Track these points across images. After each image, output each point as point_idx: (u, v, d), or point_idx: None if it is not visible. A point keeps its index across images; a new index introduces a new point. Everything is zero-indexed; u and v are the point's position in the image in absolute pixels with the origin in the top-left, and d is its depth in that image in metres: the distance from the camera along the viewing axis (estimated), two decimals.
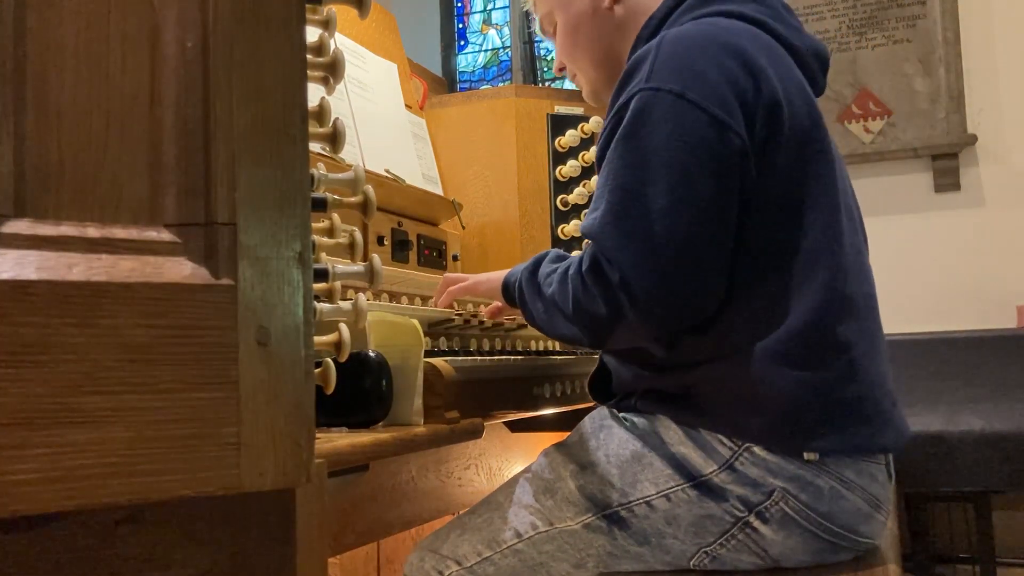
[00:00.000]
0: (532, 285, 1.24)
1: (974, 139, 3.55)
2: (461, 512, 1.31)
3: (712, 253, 1.07)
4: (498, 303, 1.41)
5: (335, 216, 0.86)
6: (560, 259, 1.24)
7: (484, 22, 5.08)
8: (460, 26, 5.11)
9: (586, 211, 2.09)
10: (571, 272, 1.14)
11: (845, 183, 1.22)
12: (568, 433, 1.46)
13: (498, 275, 1.37)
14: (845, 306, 1.13)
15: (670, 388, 1.17)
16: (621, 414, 1.23)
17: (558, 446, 1.26)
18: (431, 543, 1.27)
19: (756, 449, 1.10)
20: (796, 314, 1.10)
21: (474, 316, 1.41)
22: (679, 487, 1.13)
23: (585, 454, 1.21)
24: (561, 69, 1.45)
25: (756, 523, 1.10)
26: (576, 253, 2.06)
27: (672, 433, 1.15)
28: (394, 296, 1.58)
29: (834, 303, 1.11)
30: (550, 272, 1.21)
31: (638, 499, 1.14)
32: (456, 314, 1.39)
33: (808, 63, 1.24)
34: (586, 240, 2.06)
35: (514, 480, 1.28)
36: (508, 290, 1.32)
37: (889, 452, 1.17)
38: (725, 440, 1.12)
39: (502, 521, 1.23)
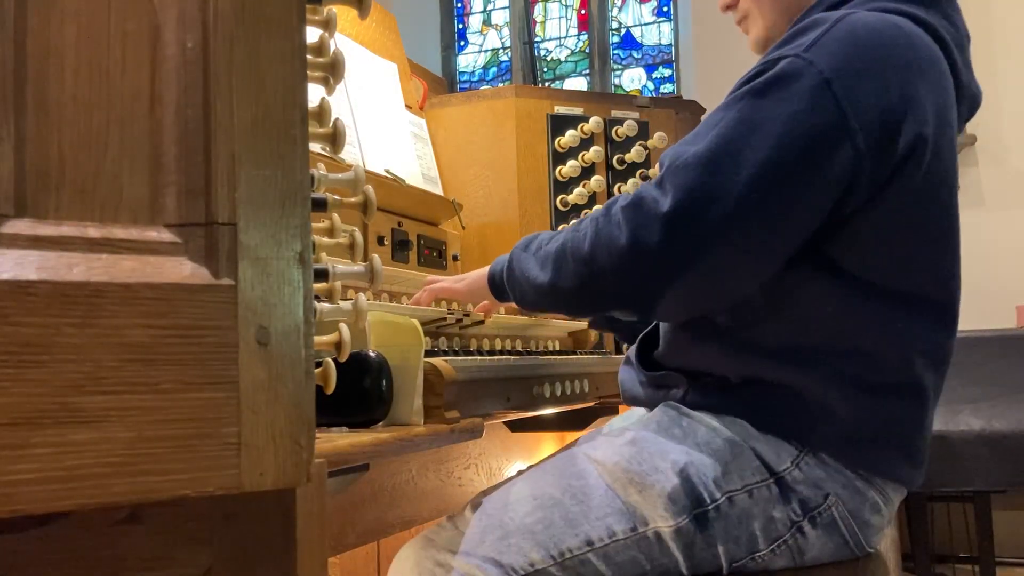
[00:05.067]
0: (524, 256, 1.19)
1: (973, 140, 3.55)
2: (485, 507, 1.15)
3: (762, 243, 1.03)
4: (485, 302, 1.39)
5: (335, 216, 0.86)
6: (557, 232, 1.20)
7: (484, 22, 5.08)
8: (460, 26, 5.11)
9: (586, 211, 2.10)
10: (592, 216, 1.10)
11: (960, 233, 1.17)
12: (573, 432, 1.45)
13: (480, 272, 1.34)
14: (935, 357, 1.13)
15: (732, 374, 1.12)
16: (685, 407, 1.16)
17: (642, 434, 1.14)
18: (450, 543, 1.12)
19: (821, 453, 1.10)
20: (883, 346, 1.09)
21: (466, 315, 1.41)
22: (763, 482, 1.09)
23: (676, 444, 1.11)
24: (729, 7, 1.30)
25: (807, 527, 1.09)
26: None
27: (744, 429, 1.11)
28: (394, 296, 1.58)
29: (926, 352, 1.12)
30: (552, 236, 1.17)
31: (728, 492, 1.08)
32: (448, 312, 1.39)
33: (962, 105, 1.18)
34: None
35: (565, 470, 1.14)
36: (494, 279, 1.27)
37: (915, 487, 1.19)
38: (793, 441, 1.10)
39: (565, 523, 1.07)
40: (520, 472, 1.37)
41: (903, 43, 1.07)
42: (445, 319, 1.36)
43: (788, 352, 1.09)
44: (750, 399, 1.11)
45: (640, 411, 1.28)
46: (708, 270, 1.03)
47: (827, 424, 1.08)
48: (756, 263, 1.05)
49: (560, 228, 2.09)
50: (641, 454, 1.11)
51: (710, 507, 1.08)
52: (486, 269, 1.31)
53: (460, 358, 1.14)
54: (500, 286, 1.26)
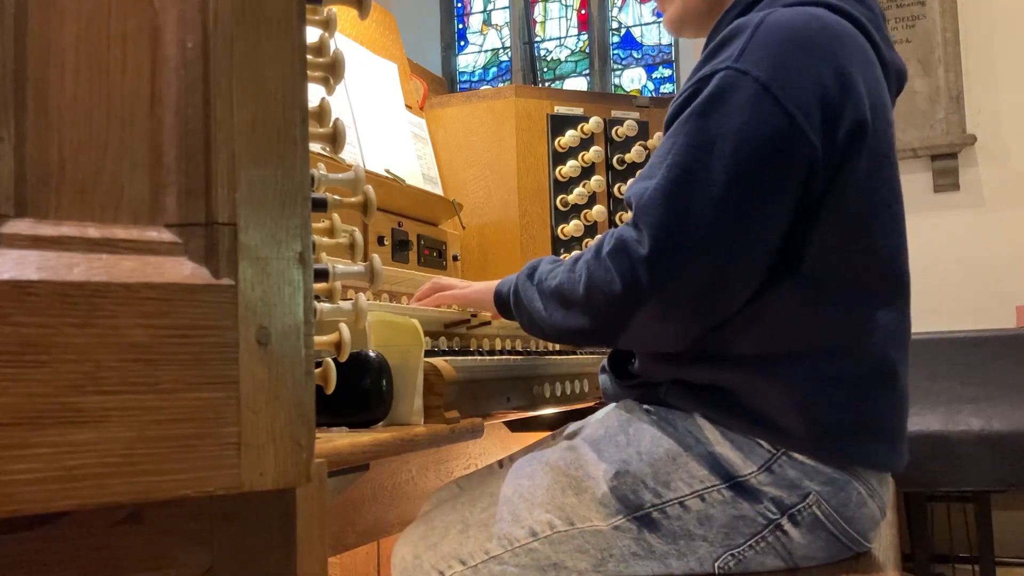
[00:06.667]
0: (528, 286, 1.22)
1: (973, 139, 3.55)
2: (457, 501, 1.24)
3: (746, 256, 1.05)
4: (487, 313, 1.41)
5: (335, 216, 0.86)
6: (557, 262, 1.22)
7: (484, 22, 5.08)
8: (460, 26, 5.11)
9: (586, 211, 2.10)
10: (585, 258, 1.12)
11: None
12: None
13: (488, 285, 1.35)
14: (900, 335, 1.14)
15: (701, 380, 1.13)
16: (645, 406, 1.19)
17: (585, 440, 1.19)
18: (426, 537, 1.20)
19: (795, 454, 1.10)
20: (857, 338, 1.11)
21: (473, 316, 1.41)
22: (714, 487, 1.10)
23: (616, 451, 1.15)
24: None
25: (787, 526, 1.10)
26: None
27: (707, 432, 1.12)
28: (394, 296, 1.58)
29: (893, 333, 1.13)
30: (551, 269, 1.19)
31: (672, 499, 1.11)
32: (471, 315, 1.39)
33: (890, 81, 1.20)
34: (587, 240, 2.07)
35: (520, 471, 1.21)
36: (500, 298, 1.30)
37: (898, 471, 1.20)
38: (764, 443, 1.10)
39: (513, 518, 1.16)
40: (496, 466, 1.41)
41: (825, 33, 1.09)
42: (457, 322, 1.37)
43: (762, 356, 1.10)
44: (722, 402, 1.12)
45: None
46: (699, 297, 1.05)
47: (804, 424, 1.09)
48: (741, 277, 1.06)
49: (560, 227, 2.09)
50: (578, 460, 1.17)
51: (652, 509, 1.11)
52: (492, 287, 1.33)
53: (460, 358, 1.14)
54: (507, 310, 1.29)
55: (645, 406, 1.19)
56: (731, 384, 1.11)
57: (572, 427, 1.45)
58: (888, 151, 1.14)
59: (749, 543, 1.10)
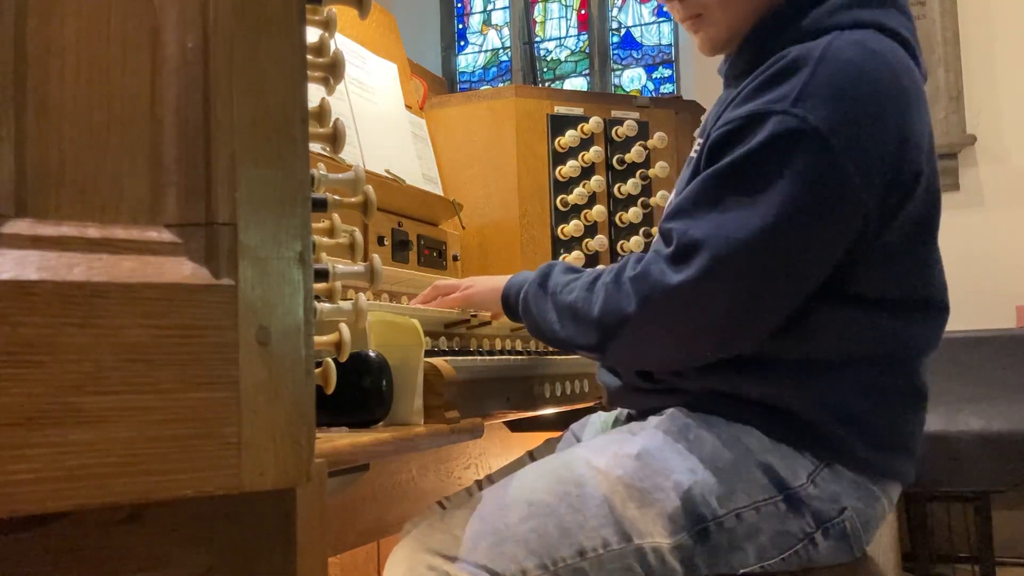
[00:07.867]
0: (541, 295, 1.20)
1: (973, 139, 3.55)
2: (483, 509, 1.12)
3: (775, 303, 1.05)
4: (486, 313, 1.40)
5: (335, 216, 0.86)
6: (571, 271, 1.21)
7: (484, 22, 5.08)
8: (460, 26, 5.11)
9: (586, 211, 2.10)
10: (604, 280, 1.11)
11: None
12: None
13: (493, 284, 1.34)
14: (931, 354, 1.17)
15: (748, 395, 1.11)
16: (693, 412, 1.15)
17: (647, 450, 1.11)
18: (444, 547, 1.09)
19: (838, 466, 1.10)
20: (903, 354, 1.12)
21: (474, 316, 1.41)
22: (771, 500, 1.08)
23: (681, 460, 1.09)
24: (687, 18, 1.20)
25: (819, 538, 1.09)
26: (579, 262, 2.07)
27: (756, 441, 1.10)
28: (394, 296, 1.59)
29: (929, 353, 1.15)
30: (568, 282, 1.17)
31: (731, 510, 1.07)
32: (472, 315, 1.39)
33: None
34: (587, 240, 2.07)
35: (564, 476, 1.11)
36: (508, 302, 1.28)
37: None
38: (808, 455, 1.10)
39: (560, 532, 1.06)
40: (520, 461, 1.39)
41: (888, 74, 1.05)
42: (457, 322, 1.36)
43: (806, 370, 1.10)
44: (766, 413, 1.11)
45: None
46: (718, 339, 1.06)
47: (849, 437, 1.09)
48: (765, 322, 1.07)
49: (560, 228, 2.09)
50: (644, 470, 1.09)
51: (711, 523, 1.07)
52: (498, 288, 1.31)
53: (460, 358, 1.14)
54: (514, 314, 1.28)
55: (693, 415, 1.15)
56: (778, 396, 1.10)
57: (600, 417, 1.44)
58: (935, 184, 1.13)
59: (782, 556, 1.09)
